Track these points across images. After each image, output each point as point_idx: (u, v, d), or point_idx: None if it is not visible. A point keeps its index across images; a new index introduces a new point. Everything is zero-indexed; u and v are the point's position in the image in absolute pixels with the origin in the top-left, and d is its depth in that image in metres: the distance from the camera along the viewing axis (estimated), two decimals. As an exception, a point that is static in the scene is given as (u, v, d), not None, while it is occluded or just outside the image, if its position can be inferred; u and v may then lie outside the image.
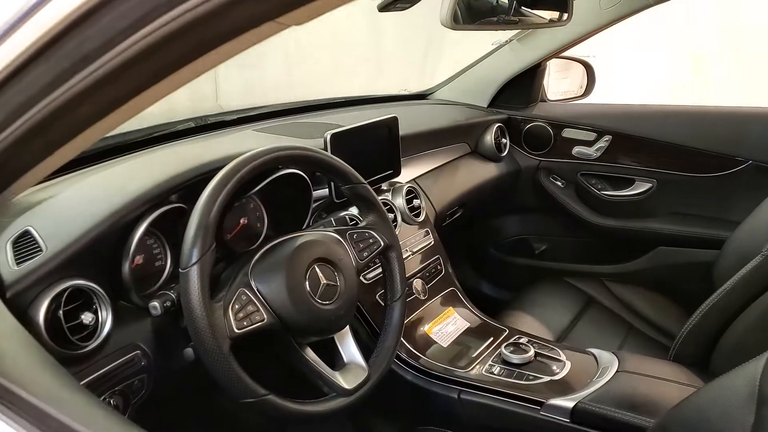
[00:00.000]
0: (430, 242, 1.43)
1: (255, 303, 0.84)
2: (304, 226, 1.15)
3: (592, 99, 2.02)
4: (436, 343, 1.27)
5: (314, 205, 1.16)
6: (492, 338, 1.30)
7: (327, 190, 1.22)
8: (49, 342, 0.77)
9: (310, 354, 0.92)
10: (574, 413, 1.06)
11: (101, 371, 0.83)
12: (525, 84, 1.88)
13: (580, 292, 1.67)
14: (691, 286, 1.66)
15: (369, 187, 1.03)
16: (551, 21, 1.13)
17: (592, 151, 1.83)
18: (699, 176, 1.69)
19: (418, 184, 1.48)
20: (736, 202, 1.60)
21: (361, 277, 1.17)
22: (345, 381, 0.92)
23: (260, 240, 1.14)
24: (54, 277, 0.79)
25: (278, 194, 1.13)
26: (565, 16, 1.11)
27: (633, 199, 1.80)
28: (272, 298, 0.86)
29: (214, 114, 1.50)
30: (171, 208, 0.92)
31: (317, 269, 0.91)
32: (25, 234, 0.83)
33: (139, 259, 0.93)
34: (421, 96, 1.98)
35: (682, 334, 1.22)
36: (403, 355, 1.19)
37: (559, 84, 2.09)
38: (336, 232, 1.00)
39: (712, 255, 1.57)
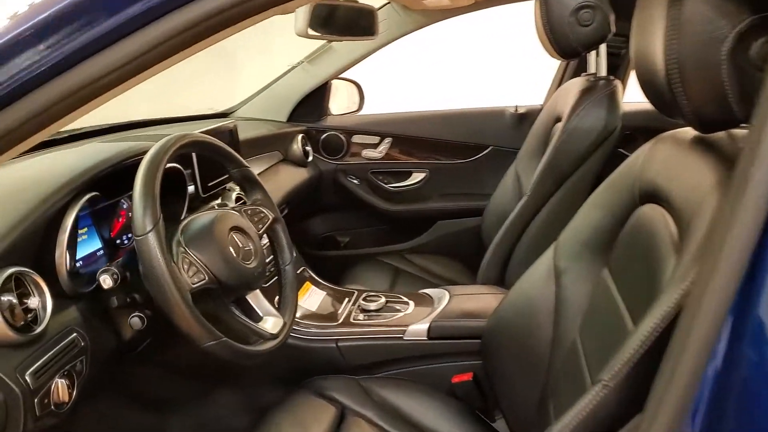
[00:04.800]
0: (279, 231, 1.62)
1: (196, 265, 0.96)
2: (181, 218, 1.25)
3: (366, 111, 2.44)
4: (306, 309, 1.47)
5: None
6: (347, 298, 1.55)
7: (192, 187, 1.34)
8: (4, 328, 0.78)
9: (237, 311, 1.05)
10: (430, 331, 1.37)
11: (49, 354, 0.85)
12: (316, 100, 2.20)
13: (389, 266, 2.03)
14: (464, 245, 2.16)
15: (251, 170, 1.20)
16: (366, 36, 1.46)
17: (376, 153, 2.23)
18: (458, 162, 2.21)
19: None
20: (486, 179, 2.15)
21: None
22: (270, 328, 1.08)
23: None
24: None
25: None
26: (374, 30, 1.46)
27: (413, 187, 2.24)
28: (208, 262, 0.98)
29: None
30: (92, 195, 0.97)
31: (234, 236, 1.06)
32: None
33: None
34: (223, 114, 2.14)
35: (484, 263, 1.65)
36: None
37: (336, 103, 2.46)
38: (233, 209, 1.15)
39: (476, 221, 2.09)
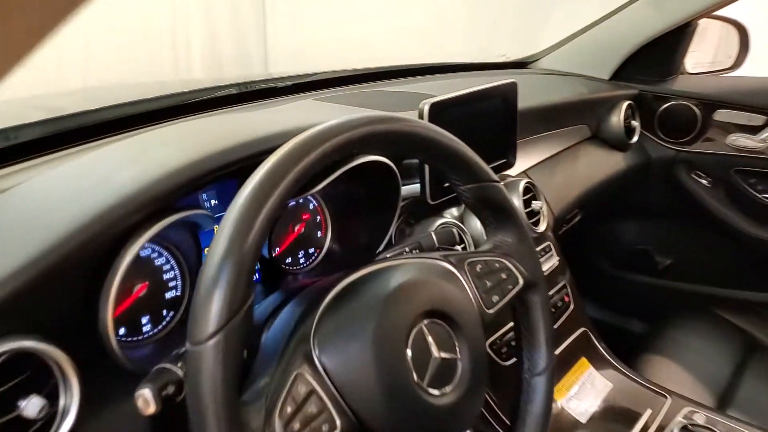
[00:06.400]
0: (555, 263, 1.02)
1: (322, 398, 0.46)
2: (384, 242, 0.77)
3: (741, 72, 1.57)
4: (571, 418, 0.87)
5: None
6: (650, 410, 0.89)
7: (418, 185, 0.84)
8: None
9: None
10: None
11: None
12: (663, 51, 1.43)
13: (735, 329, 1.25)
14: None
15: (503, 188, 0.63)
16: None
17: (756, 141, 1.37)
18: None
19: (531, 180, 1.07)
20: None
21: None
22: None
23: (320, 257, 0.78)
24: None
25: (348, 192, 0.77)
26: None
27: (812, 206, 1.34)
28: (350, 386, 0.47)
29: (263, 80, 1.12)
30: (189, 214, 0.56)
31: (425, 330, 0.52)
32: None
33: (140, 288, 0.58)
34: (521, 64, 1.56)
35: None
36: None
37: (696, 56, 1.63)
38: (447, 259, 0.60)
39: None
